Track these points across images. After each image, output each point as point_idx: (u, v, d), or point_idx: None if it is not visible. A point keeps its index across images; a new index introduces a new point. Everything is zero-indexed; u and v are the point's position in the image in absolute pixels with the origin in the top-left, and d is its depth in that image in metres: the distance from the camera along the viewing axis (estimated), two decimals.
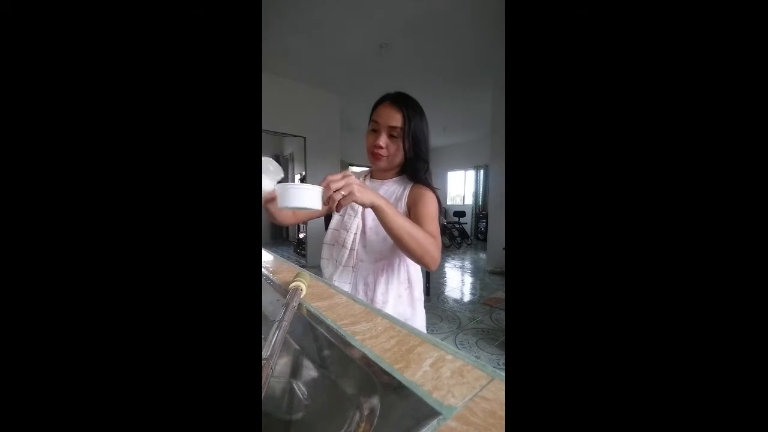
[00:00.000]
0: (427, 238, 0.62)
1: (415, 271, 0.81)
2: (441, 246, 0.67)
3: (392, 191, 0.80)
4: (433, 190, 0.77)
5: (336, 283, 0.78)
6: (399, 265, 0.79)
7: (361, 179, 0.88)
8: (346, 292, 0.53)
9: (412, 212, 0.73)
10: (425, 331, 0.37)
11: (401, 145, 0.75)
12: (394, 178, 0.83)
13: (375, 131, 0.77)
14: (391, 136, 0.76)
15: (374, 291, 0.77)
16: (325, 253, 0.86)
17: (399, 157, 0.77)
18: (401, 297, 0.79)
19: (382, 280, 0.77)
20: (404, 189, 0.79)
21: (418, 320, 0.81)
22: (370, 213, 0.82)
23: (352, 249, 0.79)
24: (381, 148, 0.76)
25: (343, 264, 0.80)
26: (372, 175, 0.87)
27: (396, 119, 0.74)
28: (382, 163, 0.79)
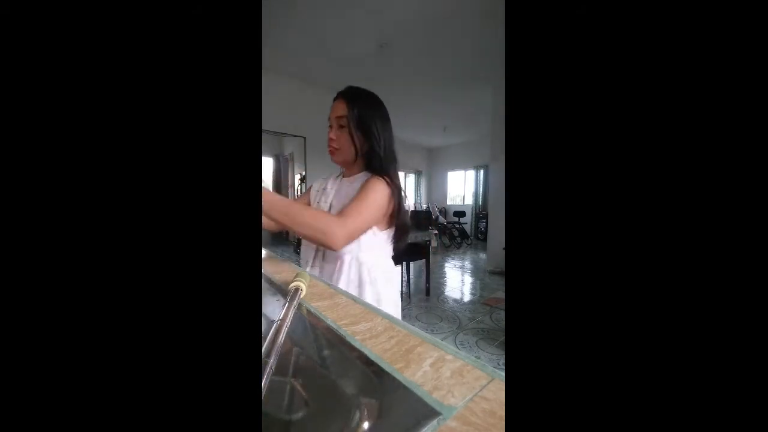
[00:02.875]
0: (321, 218, 0.61)
1: (370, 272, 0.75)
2: (352, 225, 0.66)
3: (354, 188, 0.78)
4: (388, 179, 0.74)
5: (308, 271, 0.77)
6: (350, 264, 0.75)
7: (332, 179, 0.89)
8: (346, 292, 0.53)
9: None
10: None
11: (350, 134, 0.75)
12: (357, 174, 0.83)
13: (330, 127, 0.79)
14: (340, 127, 0.76)
15: (333, 283, 0.76)
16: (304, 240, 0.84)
17: (351, 148, 0.77)
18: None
19: (334, 277, 0.75)
20: (362, 183, 0.77)
21: None
22: (338, 197, 0.81)
23: None
24: (332, 140, 0.77)
25: (314, 253, 0.80)
26: (344, 175, 0.88)
27: (341, 109, 0.75)
28: (337, 157, 0.80)
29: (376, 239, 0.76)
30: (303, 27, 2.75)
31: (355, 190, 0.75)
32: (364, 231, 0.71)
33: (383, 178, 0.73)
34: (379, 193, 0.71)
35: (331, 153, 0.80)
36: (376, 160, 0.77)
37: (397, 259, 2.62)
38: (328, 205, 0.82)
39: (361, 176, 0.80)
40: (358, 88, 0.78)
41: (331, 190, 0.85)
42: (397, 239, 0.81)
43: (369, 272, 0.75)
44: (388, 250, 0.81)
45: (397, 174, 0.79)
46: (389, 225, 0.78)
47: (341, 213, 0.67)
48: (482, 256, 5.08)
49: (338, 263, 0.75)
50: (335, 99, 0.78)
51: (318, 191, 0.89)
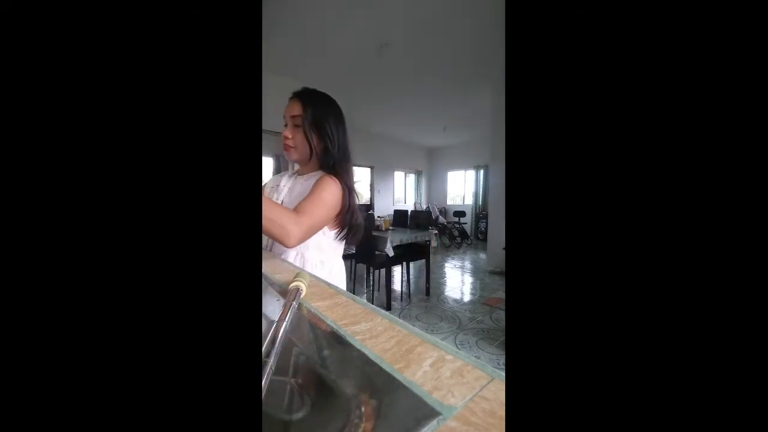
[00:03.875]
0: (282, 214, 0.62)
1: (314, 270, 0.77)
2: (307, 223, 0.66)
3: (307, 186, 0.79)
4: (340, 178, 0.76)
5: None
6: (294, 260, 0.77)
7: (287, 176, 0.90)
8: (347, 292, 0.53)
9: None
10: None
11: (304, 133, 0.77)
12: (312, 173, 0.84)
13: (285, 126, 0.80)
14: (295, 126, 0.79)
15: None
16: None
17: (306, 147, 0.79)
18: None
19: None
20: (315, 181, 0.78)
21: None
22: (290, 195, 0.83)
23: None
24: (287, 138, 0.79)
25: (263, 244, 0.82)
26: (299, 173, 0.89)
27: (296, 109, 0.77)
28: (293, 155, 0.82)
29: (324, 238, 0.78)
30: (303, 27, 2.75)
31: (308, 188, 0.76)
32: (317, 231, 0.72)
33: (335, 178, 0.75)
34: (331, 192, 0.73)
35: (286, 150, 0.82)
36: (330, 158, 0.79)
37: (397, 259, 2.63)
38: (280, 202, 0.83)
39: (315, 174, 0.81)
40: (313, 90, 0.81)
41: (284, 187, 0.86)
42: (350, 238, 0.83)
43: (313, 270, 0.76)
44: (336, 249, 0.83)
45: (351, 173, 0.82)
46: (338, 224, 0.79)
47: (298, 210, 0.67)
48: (482, 256, 5.08)
49: (282, 257, 0.76)
50: (290, 99, 0.80)
51: (272, 188, 0.90)
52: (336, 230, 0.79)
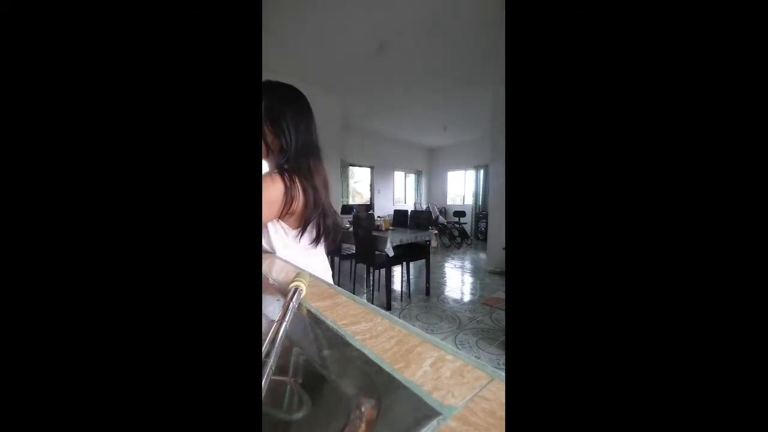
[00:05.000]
0: None
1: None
2: None
3: None
4: (285, 174, 0.69)
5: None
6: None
7: None
8: (347, 292, 0.53)
9: None
10: None
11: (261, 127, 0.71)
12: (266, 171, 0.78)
13: None
14: None
15: None
16: None
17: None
18: None
19: None
20: None
21: None
22: None
23: None
24: None
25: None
26: None
27: None
28: None
29: (288, 239, 0.73)
30: (302, 27, 2.75)
31: None
32: None
33: (278, 175, 0.69)
34: (267, 191, 0.66)
35: None
36: (282, 157, 0.73)
37: (397, 259, 2.63)
38: None
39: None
40: (277, 83, 0.75)
41: None
42: (328, 242, 0.77)
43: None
44: (312, 248, 0.77)
45: (316, 170, 0.75)
46: (299, 223, 0.73)
47: None
48: (482, 256, 5.08)
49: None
50: None
51: None
52: (296, 230, 0.74)
